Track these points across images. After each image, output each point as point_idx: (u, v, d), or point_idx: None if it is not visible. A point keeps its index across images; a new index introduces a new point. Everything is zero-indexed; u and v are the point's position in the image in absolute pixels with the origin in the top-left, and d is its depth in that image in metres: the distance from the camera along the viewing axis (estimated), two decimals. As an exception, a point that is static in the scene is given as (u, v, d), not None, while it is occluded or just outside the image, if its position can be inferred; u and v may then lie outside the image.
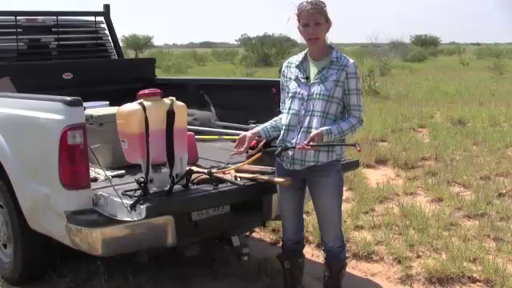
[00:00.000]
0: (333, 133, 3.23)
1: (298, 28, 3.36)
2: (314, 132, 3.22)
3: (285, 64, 3.54)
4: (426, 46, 60.13)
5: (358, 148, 3.19)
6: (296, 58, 3.48)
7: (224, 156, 4.12)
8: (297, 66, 3.44)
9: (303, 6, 3.31)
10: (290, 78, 3.43)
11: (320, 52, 3.38)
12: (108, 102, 4.87)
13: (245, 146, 3.44)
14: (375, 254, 4.61)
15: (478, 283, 4.13)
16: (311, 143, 3.19)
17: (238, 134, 4.18)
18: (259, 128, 3.53)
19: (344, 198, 4.94)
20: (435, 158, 8.07)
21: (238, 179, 3.52)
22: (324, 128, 3.23)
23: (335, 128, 3.25)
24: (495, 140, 9.28)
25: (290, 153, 3.35)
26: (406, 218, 5.35)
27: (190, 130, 3.80)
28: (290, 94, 3.41)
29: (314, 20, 3.29)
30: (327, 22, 3.34)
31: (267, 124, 3.54)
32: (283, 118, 3.42)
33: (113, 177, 3.59)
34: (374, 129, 10.05)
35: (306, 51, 3.45)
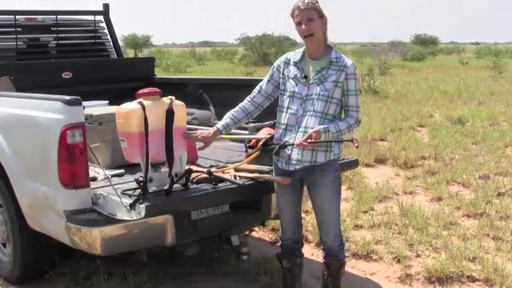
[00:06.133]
0: (330, 131, 3.23)
1: (296, 29, 3.35)
2: (311, 130, 3.22)
3: (282, 59, 3.49)
4: (426, 45, 60.11)
5: (356, 144, 3.19)
6: (294, 56, 3.45)
7: (223, 155, 4.12)
8: (295, 64, 3.41)
9: (295, 4, 3.32)
10: (288, 76, 3.41)
11: (319, 50, 3.37)
12: (107, 101, 4.88)
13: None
14: (374, 253, 4.61)
15: (477, 282, 4.13)
16: (309, 140, 3.18)
17: (237, 134, 4.19)
18: (220, 126, 3.49)
19: (343, 197, 4.96)
20: (434, 158, 8.08)
21: (238, 178, 3.52)
22: (322, 126, 3.23)
23: (333, 127, 3.25)
24: (494, 139, 9.29)
25: (288, 152, 3.34)
26: (405, 218, 5.35)
27: (189, 129, 3.80)
28: (287, 93, 3.39)
29: (306, 17, 3.28)
30: (321, 18, 3.31)
31: (228, 121, 3.49)
32: (281, 118, 3.41)
33: (112, 176, 3.59)
34: (374, 128, 10.05)
35: (303, 49, 3.43)
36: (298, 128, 3.32)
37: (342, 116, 3.41)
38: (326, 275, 3.54)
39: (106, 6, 6.10)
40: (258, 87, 3.54)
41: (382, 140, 9.44)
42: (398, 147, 8.52)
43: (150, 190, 3.16)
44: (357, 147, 3.27)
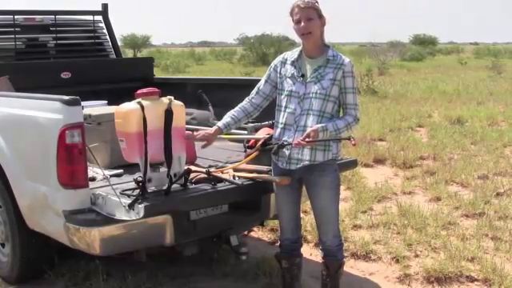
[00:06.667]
0: (328, 130, 3.23)
1: (294, 28, 3.35)
2: (309, 129, 3.23)
3: (279, 59, 3.50)
4: (425, 45, 60.17)
5: (353, 142, 3.19)
6: (291, 55, 3.46)
7: (222, 155, 4.12)
8: (292, 63, 3.42)
9: (295, 3, 3.32)
10: (285, 76, 3.41)
11: (316, 49, 3.37)
12: (106, 102, 4.87)
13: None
14: (373, 253, 4.61)
15: (476, 282, 4.14)
16: (307, 139, 3.19)
17: (236, 134, 4.19)
18: (221, 125, 3.49)
19: (342, 197, 4.97)
20: (433, 158, 8.08)
21: (237, 178, 3.52)
22: (320, 125, 3.23)
23: (331, 125, 3.25)
24: (493, 139, 9.30)
25: (287, 152, 3.34)
26: (404, 218, 5.36)
27: (188, 130, 3.80)
28: (285, 92, 3.39)
29: (306, 15, 3.28)
30: (320, 19, 3.32)
31: (229, 120, 3.50)
32: (280, 117, 3.41)
33: (111, 176, 3.59)
34: (372, 128, 10.05)
35: (300, 48, 3.44)
36: (297, 127, 3.32)
37: (341, 114, 3.42)
38: (324, 275, 3.54)
39: (105, 6, 6.10)
40: (256, 88, 3.55)
41: (380, 140, 9.44)
42: (397, 147, 8.52)
43: (149, 190, 3.15)
44: (354, 145, 3.26)
